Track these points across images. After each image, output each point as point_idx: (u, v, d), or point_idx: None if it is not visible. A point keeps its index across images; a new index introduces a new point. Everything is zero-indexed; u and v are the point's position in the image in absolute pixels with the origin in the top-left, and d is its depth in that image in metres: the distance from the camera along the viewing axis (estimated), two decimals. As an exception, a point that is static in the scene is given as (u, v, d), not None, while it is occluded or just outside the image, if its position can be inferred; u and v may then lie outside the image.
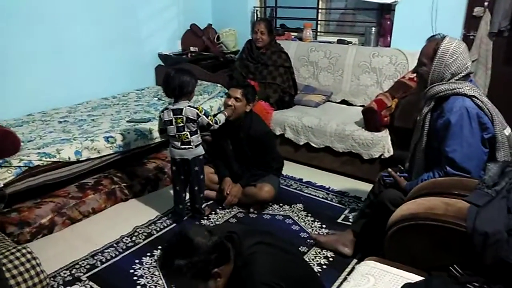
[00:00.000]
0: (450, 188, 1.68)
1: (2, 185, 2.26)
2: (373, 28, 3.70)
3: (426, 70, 1.90)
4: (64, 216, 2.54)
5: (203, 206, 2.69)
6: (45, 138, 2.74)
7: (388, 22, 3.63)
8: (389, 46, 3.62)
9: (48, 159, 2.46)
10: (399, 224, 1.61)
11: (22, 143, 2.52)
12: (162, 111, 2.46)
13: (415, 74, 3.09)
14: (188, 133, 2.44)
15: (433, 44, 1.87)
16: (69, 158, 2.55)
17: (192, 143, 2.47)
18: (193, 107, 2.42)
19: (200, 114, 2.42)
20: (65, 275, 2.14)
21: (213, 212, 2.75)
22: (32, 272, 1.89)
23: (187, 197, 2.68)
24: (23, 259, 1.89)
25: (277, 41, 3.76)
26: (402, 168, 2.19)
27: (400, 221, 1.61)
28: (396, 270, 1.54)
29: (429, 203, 1.61)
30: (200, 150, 2.53)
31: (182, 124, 2.42)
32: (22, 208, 2.45)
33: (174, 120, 2.42)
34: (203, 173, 2.61)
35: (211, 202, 2.86)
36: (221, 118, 2.56)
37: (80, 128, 2.97)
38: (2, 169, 2.31)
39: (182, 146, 2.47)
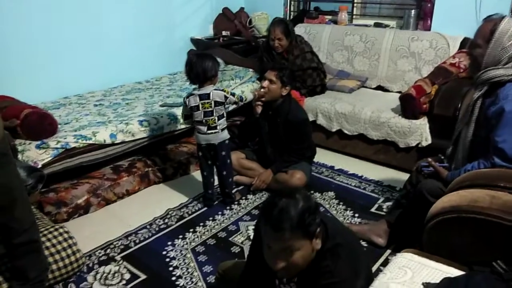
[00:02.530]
0: (496, 180, 1.59)
1: (40, 166, 2.33)
2: (413, 11, 3.54)
3: (480, 52, 1.77)
4: (99, 197, 2.60)
5: (233, 191, 2.69)
6: (81, 121, 2.80)
7: (429, 5, 3.46)
8: (429, 29, 3.47)
9: (84, 141, 2.52)
10: (439, 216, 1.54)
11: (59, 125, 2.58)
12: (187, 97, 2.43)
13: (456, 60, 3.01)
14: (216, 117, 2.42)
15: (490, 24, 1.73)
16: (104, 141, 2.60)
17: (218, 127, 2.45)
18: (220, 90, 2.41)
19: (228, 95, 2.41)
20: (100, 255, 2.20)
21: (243, 198, 2.74)
22: (69, 251, 1.95)
23: (216, 182, 2.68)
24: (60, 238, 1.95)
25: (297, 36, 3.49)
26: (442, 157, 2.09)
27: (441, 214, 1.54)
28: (434, 264, 1.48)
29: (472, 195, 1.53)
30: (226, 134, 2.51)
31: (210, 109, 2.39)
32: (59, 188, 2.52)
33: (201, 105, 2.39)
34: (230, 157, 2.60)
35: (242, 187, 2.86)
36: (248, 96, 2.55)
37: (115, 112, 3.01)
38: (40, 150, 2.38)
39: (209, 131, 2.45)
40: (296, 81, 3.37)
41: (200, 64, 2.32)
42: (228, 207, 2.63)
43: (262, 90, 2.57)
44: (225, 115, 2.49)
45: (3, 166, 1.49)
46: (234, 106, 2.70)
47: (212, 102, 2.38)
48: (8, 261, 1.76)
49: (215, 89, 2.40)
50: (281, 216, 1.18)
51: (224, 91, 2.41)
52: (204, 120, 2.43)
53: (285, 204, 1.19)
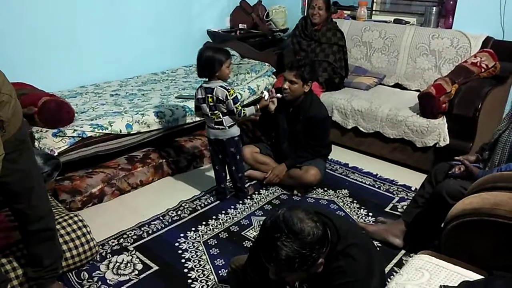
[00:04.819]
0: (519, 183, 1.54)
1: (56, 154, 2.34)
2: (434, 8, 3.47)
3: None
4: (113, 186, 2.61)
5: (246, 185, 2.67)
6: (98, 110, 2.81)
7: (451, 2, 3.39)
8: (450, 27, 3.40)
9: (100, 131, 2.52)
10: (460, 218, 1.50)
11: (76, 114, 2.60)
12: (197, 89, 2.41)
13: (478, 59, 2.94)
14: (220, 113, 2.38)
15: None
16: (120, 131, 2.61)
17: (225, 123, 2.41)
18: (224, 88, 2.32)
19: (229, 98, 2.31)
20: (113, 244, 2.21)
21: (256, 192, 2.73)
22: (83, 240, 1.96)
23: (229, 176, 2.66)
24: (74, 226, 1.96)
25: (333, 19, 3.60)
26: (480, 156, 2.04)
27: (462, 216, 1.50)
28: (452, 267, 1.45)
29: (495, 198, 1.48)
30: (235, 131, 2.46)
31: (213, 104, 2.36)
32: (74, 177, 2.53)
33: (206, 99, 2.36)
34: (240, 153, 2.57)
35: (255, 182, 2.84)
36: (248, 112, 2.43)
37: (131, 102, 3.02)
38: (57, 138, 2.40)
39: (216, 126, 2.43)
40: (318, 61, 3.41)
41: (205, 56, 2.27)
42: (240, 201, 2.62)
43: (262, 101, 2.52)
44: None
45: (21, 153, 1.50)
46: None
47: (214, 97, 2.33)
48: (23, 248, 1.78)
49: (220, 86, 2.32)
50: (271, 254, 1.17)
51: (228, 92, 2.31)
52: (209, 114, 2.40)
53: (280, 243, 1.15)
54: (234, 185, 2.66)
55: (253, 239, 2.27)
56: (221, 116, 2.39)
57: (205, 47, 2.36)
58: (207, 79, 2.38)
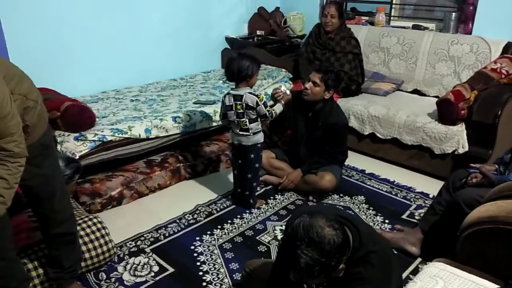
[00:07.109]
0: (537, 191, 1.52)
1: (77, 157, 2.41)
2: (453, 14, 3.43)
3: None
4: (132, 189, 2.67)
5: (255, 195, 2.64)
6: (118, 115, 2.88)
7: (471, 7, 3.34)
8: (470, 33, 3.35)
9: (120, 135, 2.59)
10: (475, 226, 1.49)
11: (97, 119, 2.67)
12: (225, 96, 2.45)
13: (498, 65, 2.90)
14: (247, 120, 2.40)
15: None
16: (139, 135, 2.67)
17: (250, 131, 2.42)
18: (254, 95, 2.35)
19: (260, 103, 2.34)
20: (131, 246, 2.25)
21: (272, 197, 2.74)
22: (102, 241, 2.01)
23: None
24: (94, 228, 2.01)
25: (347, 26, 3.58)
26: (496, 166, 2.01)
27: (477, 224, 1.49)
28: (467, 275, 1.43)
29: (511, 206, 1.47)
30: (259, 138, 2.48)
31: (241, 111, 2.38)
32: (94, 180, 2.60)
33: (234, 106, 2.39)
34: (260, 162, 2.57)
35: (270, 187, 2.86)
36: (278, 109, 2.46)
37: (150, 107, 3.08)
38: (78, 142, 2.47)
39: (241, 132, 2.45)
40: (341, 81, 3.37)
41: (237, 62, 2.31)
42: (247, 211, 2.59)
43: (285, 96, 2.52)
44: (258, 119, 2.43)
45: (45, 158, 1.54)
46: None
47: (244, 104, 2.36)
48: (44, 248, 1.83)
49: (249, 92, 2.35)
50: (292, 261, 1.19)
51: (258, 97, 2.34)
52: (236, 121, 2.43)
53: (300, 251, 1.16)
54: (241, 193, 2.62)
55: (268, 244, 2.28)
56: (248, 124, 2.41)
57: (239, 53, 2.38)
58: (234, 85, 2.42)
